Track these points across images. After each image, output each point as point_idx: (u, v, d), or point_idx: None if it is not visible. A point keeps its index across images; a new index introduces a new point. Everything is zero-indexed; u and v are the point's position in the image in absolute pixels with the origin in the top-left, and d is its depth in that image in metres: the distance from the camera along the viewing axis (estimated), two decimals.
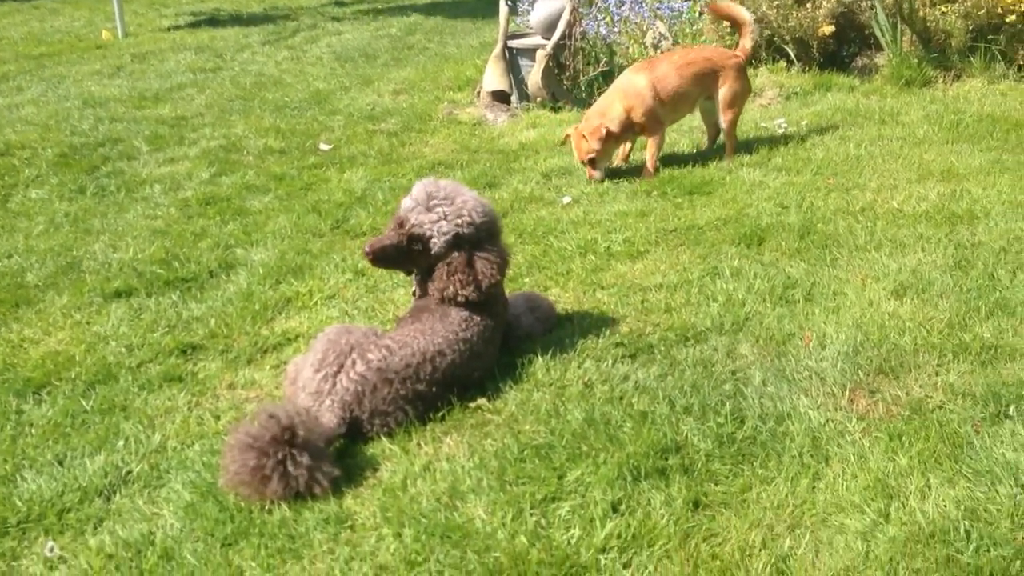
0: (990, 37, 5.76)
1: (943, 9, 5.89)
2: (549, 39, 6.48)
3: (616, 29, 6.92)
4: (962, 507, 2.20)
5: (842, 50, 6.41)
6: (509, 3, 6.77)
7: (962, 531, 2.11)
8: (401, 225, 2.94)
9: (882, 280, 3.39)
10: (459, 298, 2.85)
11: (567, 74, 6.53)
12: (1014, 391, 2.68)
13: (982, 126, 4.96)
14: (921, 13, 5.93)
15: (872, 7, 6.17)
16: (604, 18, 6.99)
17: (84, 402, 3.03)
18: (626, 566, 2.10)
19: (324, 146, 5.93)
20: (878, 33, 6.19)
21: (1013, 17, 5.54)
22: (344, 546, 2.27)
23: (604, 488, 2.32)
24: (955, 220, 3.88)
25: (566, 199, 4.62)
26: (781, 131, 5.33)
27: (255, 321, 3.56)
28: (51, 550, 2.36)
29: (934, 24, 5.93)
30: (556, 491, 2.37)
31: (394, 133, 6.19)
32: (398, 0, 11.01)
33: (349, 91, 7.52)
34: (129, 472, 2.65)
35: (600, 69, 6.58)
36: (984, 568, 2.00)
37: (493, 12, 8.42)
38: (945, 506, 2.20)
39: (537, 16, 6.62)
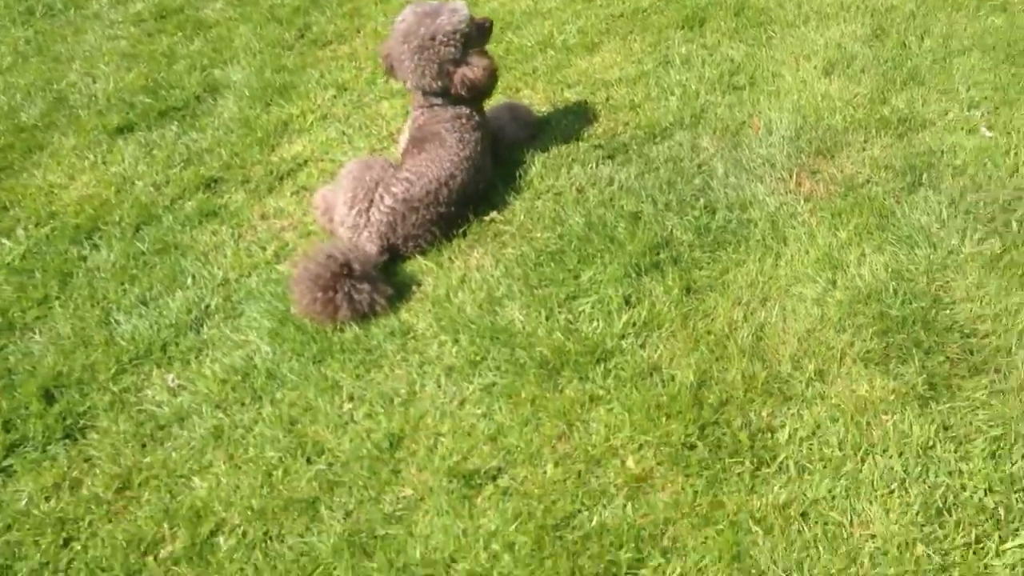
0: None
1: None
2: None
3: None
4: (889, 270, 2.80)
5: None
6: None
7: (891, 290, 2.73)
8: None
9: (812, 59, 3.83)
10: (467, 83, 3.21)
11: None
12: (925, 160, 3.23)
13: None
14: None
15: None
16: None
17: (139, 244, 3.39)
18: (642, 347, 2.69)
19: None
20: None
21: None
22: (413, 354, 2.80)
23: (615, 285, 2.87)
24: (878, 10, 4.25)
25: None
26: None
27: (261, 148, 3.88)
28: (172, 380, 2.85)
29: None
30: (575, 291, 2.91)
31: (313, 42, 6.09)
32: None
33: None
34: (207, 306, 3.10)
35: None
36: (908, 318, 2.64)
37: None
38: (877, 270, 2.80)
39: None
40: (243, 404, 2.70)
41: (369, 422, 2.59)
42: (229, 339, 2.96)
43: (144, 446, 2.61)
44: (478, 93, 3.32)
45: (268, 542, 2.31)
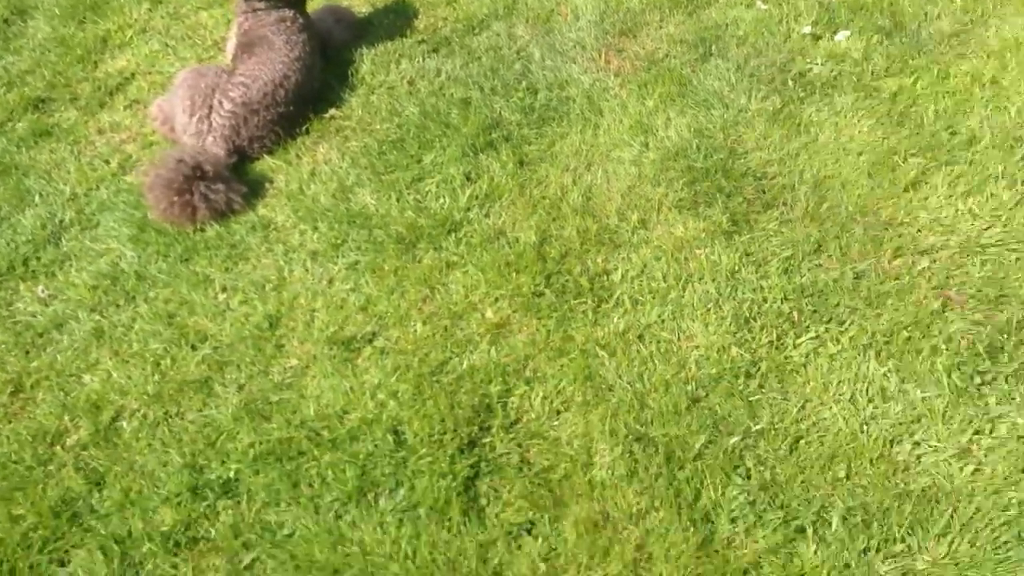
0: None
1: None
2: None
3: None
4: (692, 130, 3.21)
5: None
6: None
7: (694, 146, 3.14)
8: None
9: None
10: None
11: None
12: (713, 33, 3.64)
13: None
14: None
15: None
16: None
17: None
18: (487, 216, 2.99)
19: None
20: None
21: None
22: (277, 244, 2.99)
23: (455, 165, 3.14)
24: None
25: None
26: None
27: (84, 65, 3.85)
28: (42, 291, 2.92)
29: None
30: (420, 173, 3.16)
31: None
32: None
33: None
34: (61, 220, 3.15)
35: None
36: (710, 169, 3.05)
37: None
38: (681, 131, 3.20)
39: None
40: (118, 306, 2.82)
41: (245, 308, 2.78)
42: (91, 249, 3.03)
43: (28, 353, 2.70)
44: None
45: (170, 420, 2.49)
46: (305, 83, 3.39)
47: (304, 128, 3.37)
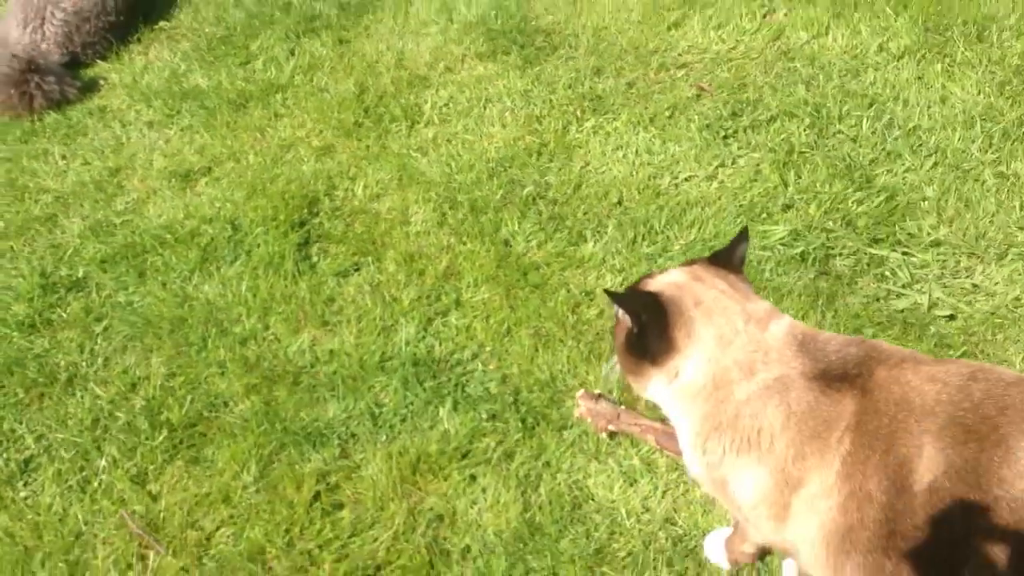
0: None
1: None
2: None
3: None
4: (490, 3, 3.72)
5: None
6: None
7: (492, 16, 3.64)
8: None
9: None
10: None
11: None
12: None
13: None
14: None
15: None
16: None
17: None
18: (310, 80, 3.40)
19: None
20: None
21: None
22: (114, 121, 3.31)
23: (280, 45, 3.55)
24: None
25: None
26: None
27: None
28: None
29: None
30: (247, 57, 3.55)
31: None
32: None
33: None
34: None
35: None
36: (507, 30, 3.54)
37: None
38: (480, 7, 3.70)
39: None
40: None
41: (86, 167, 3.08)
42: None
43: None
44: None
45: (19, 249, 2.75)
46: None
47: (136, 37, 3.71)
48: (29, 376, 2.33)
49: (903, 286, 2.38)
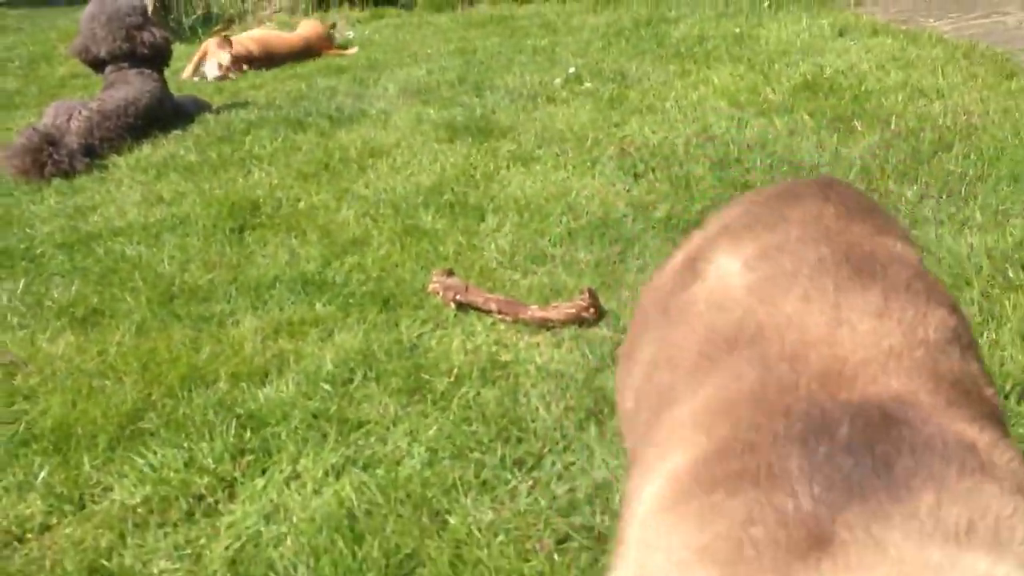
0: None
1: None
2: None
3: None
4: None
5: None
6: None
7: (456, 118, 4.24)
8: None
9: (419, 67, 5.54)
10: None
11: (170, 16, 8.17)
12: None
13: (485, 21, 7.44)
14: None
15: None
16: None
17: None
18: (287, 155, 3.97)
19: None
20: None
21: None
22: (110, 185, 3.89)
23: (270, 135, 4.17)
24: (464, 52, 6.14)
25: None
26: (351, 36, 7.44)
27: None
28: None
29: None
30: (239, 146, 4.17)
31: (23, 67, 7.42)
32: None
33: None
34: None
35: (199, 14, 8.32)
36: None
37: (77, 2, 9.76)
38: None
39: None
40: None
41: (72, 201, 3.62)
42: None
43: None
44: (159, 52, 4.67)
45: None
46: (153, 107, 4.49)
47: (150, 139, 4.41)
48: None
49: None
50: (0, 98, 5.59)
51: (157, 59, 4.74)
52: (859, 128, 3.48)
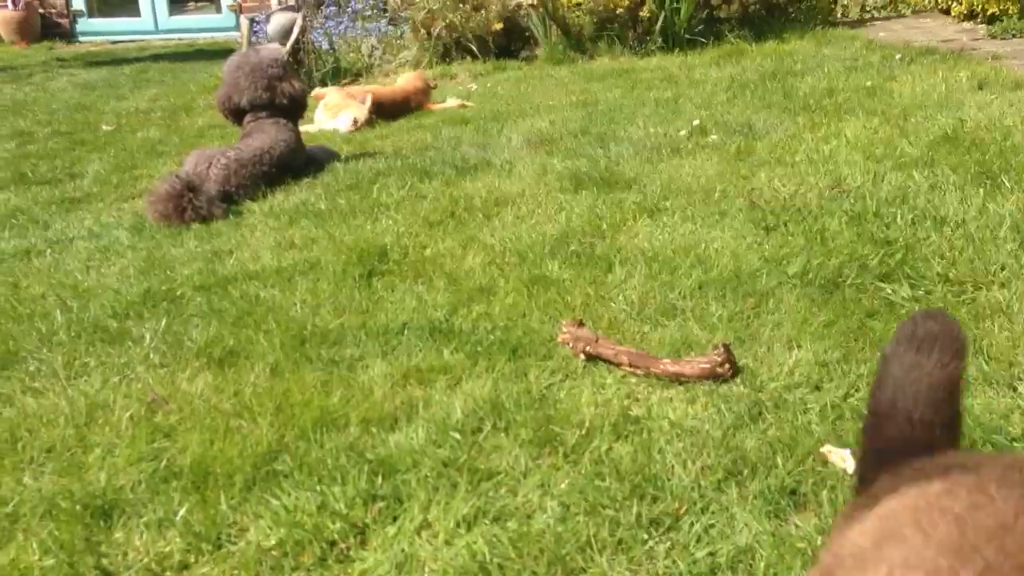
0: (608, 26, 8.40)
1: (576, 12, 8.49)
2: (284, 44, 8.41)
3: (335, 39, 8.99)
4: (581, 164, 4.33)
5: (511, 45, 8.85)
6: (248, 18, 8.65)
7: (582, 168, 4.24)
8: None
9: (542, 118, 5.58)
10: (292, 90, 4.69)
11: (303, 70, 8.47)
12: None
13: (605, 73, 7.47)
14: (561, 13, 8.50)
15: (527, 12, 8.69)
16: (325, 35, 9.04)
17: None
18: (414, 204, 4.03)
19: (106, 127, 7.41)
20: (534, 31, 8.69)
21: (621, 10, 8.21)
22: (245, 229, 4.01)
23: (397, 183, 4.25)
24: (587, 104, 6.17)
25: None
26: (473, 88, 7.57)
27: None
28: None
29: (572, 20, 8.50)
30: (367, 194, 4.26)
31: (165, 117, 7.78)
32: (117, 54, 12.40)
33: (108, 102, 8.97)
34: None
35: (329, 67, 8.60)
36: (591, 173, 4.12)
37: (216, 57, 10.23)
38: (570, 165, 4.32)
39: (273, 27, 8.55)
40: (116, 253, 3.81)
41: (209, 246, 3.74)
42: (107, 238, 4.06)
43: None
44: (296, 103, 4.83)
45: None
46: (287, 156, 4.64)
47: (283, 186, 4.54)
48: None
49: None
50: (144, 146, 5.85)
51: (294, 109, 4.90)
52: (1007, 183, 3.32)
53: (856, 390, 2.14)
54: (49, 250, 3.86)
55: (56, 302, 3.16)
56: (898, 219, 3.10)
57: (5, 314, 3.12)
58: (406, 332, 2.65)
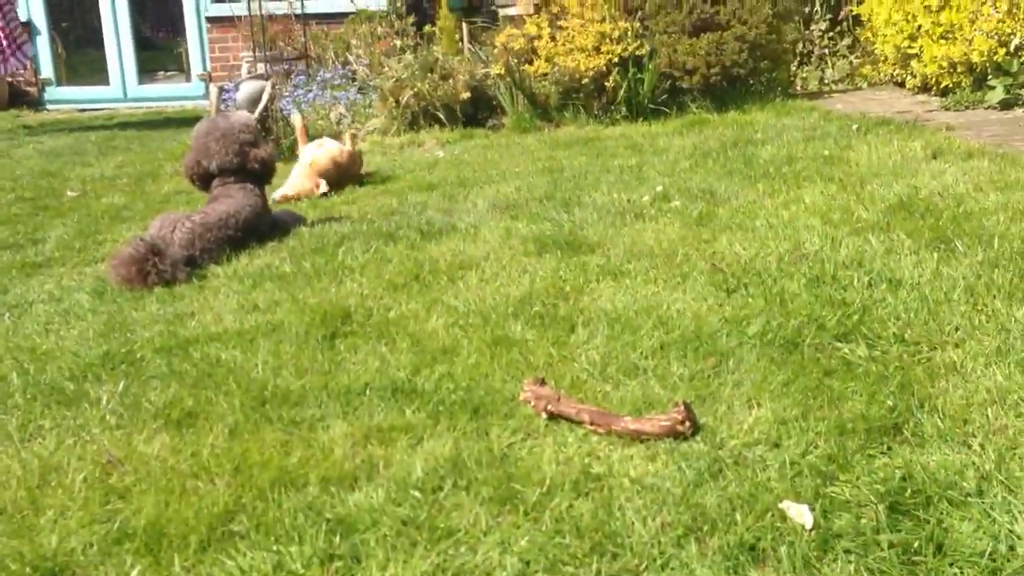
0: (573, 96, 8.56)
1: (543, 81, 8.65)
2: (253, 112, 8.47)
3: (304, 107, 9.08)
4: (544, 229, 4.37)
5: (478, 114, 8.98)
6: (217, 87, 8.72)
7: (546, 233, 4.28)
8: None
9: (508, 184, 5.64)
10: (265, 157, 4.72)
11: (272, 137, 8.52)
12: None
13: (571, 142, 7.58)
14: (528, 83, 8.65)
15: (495, 81, 8.84)
16: (294, 103, 9.13)
17: None
18: (378, 266, 4.05)
19: (72, 192, 7.40)
20: (501, 100, 8.83)
21: (587, 80, 8.38)
22: (207, 292, 4.00)
23: (361, 246, 4.27)
24: (552, 171, 6.25)
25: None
26: (441, 155, 7.65)
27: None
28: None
29: (538, 90, 8.65)
30: (331, 257, 4.27)
31: (130, 184, 7.78)
32: (84, 122, 12.42)
33: (74, 169, 8.96)
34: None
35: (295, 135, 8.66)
36: (556, 239, 4.17)
37: (184, 125, 10.31)
38: (534, 229, 4.37)
39: (242, 95, 8.62)
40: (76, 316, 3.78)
41: (171, 308, 3.72)
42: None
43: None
44: (267, 168, 4.86)
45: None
46: (253, 220, 4.65)
47: (248, 250, 4.55)
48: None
49: None
50: (109, 212, 5.85)
51: (263, 175, 4.93)
52: (960, 248, 3.40)
53: (814, 447, 2.16)
54: (8, 314, 3.82)
55: (13, 365, 3.12)
56: (855, 281, 3.16)
57: None
58: (368, 392, 2.65)
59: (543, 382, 2.42)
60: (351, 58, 11.37)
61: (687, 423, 2.21)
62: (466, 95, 8.85)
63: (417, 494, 2.07)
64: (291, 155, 8.00)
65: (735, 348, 2.72)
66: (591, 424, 2.28)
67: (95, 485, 2.22)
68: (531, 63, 8.65)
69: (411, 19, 11.23)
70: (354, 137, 6.96)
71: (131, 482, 2.22)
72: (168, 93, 13.45)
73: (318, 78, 10.36)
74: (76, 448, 2.43)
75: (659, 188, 5.01)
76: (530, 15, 9.00)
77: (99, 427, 2.56)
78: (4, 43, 12.00)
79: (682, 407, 2.22)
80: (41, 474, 2.29)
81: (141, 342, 3.28)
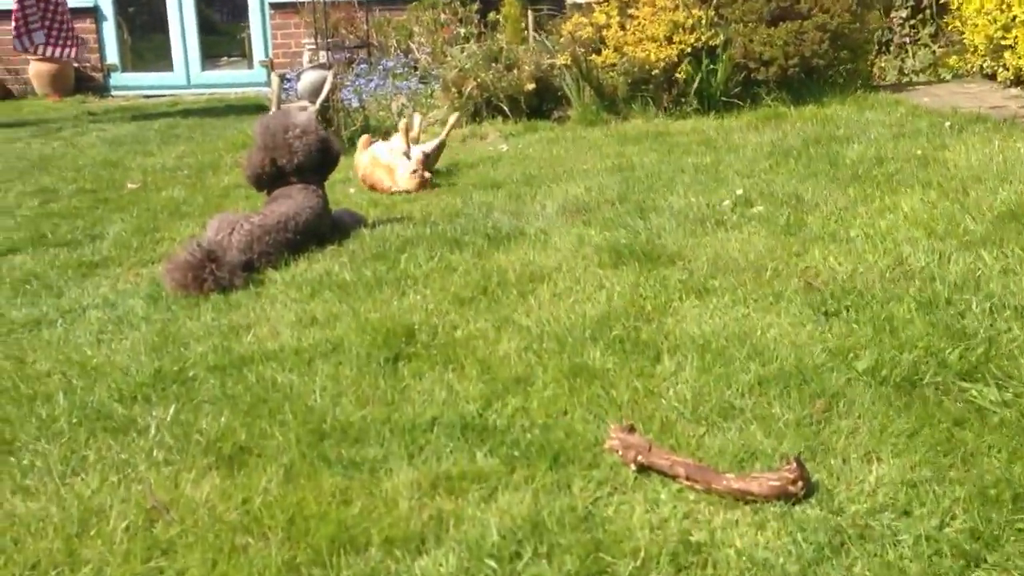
0: (643, 87, 8.23)
1: (610, 72, 8.32)
2: (314, 103, 8.29)
3: (365, 98, 8.88)
4: (617, 237, 4.09)
5: (543, 105, 8.69)
6: (279, 75, 8.55)
7: (620, 242, 4.00)
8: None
9: (577, 184, 5.37)
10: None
11: (332, 128, 8.33)
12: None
13: (640, 136, 7.27)
14: (595, 73, 8.34)
15: (561, 72, 8.55)
16: (355, 93, 8.93)
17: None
18: (443, 276, 3.80)
19: (132, 184, 7.28)
20: (567, 91, 8.53)
21: (656, 71, 8.03)
22: (264, 301, 3.79)
23: (425, 253, 4.03)
24: (622, 169, 5.96)
25: None
26: (504, 149, 7.39)
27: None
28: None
29: (606, 81, 8.33)
30: (393, 264, 4.04)
31: (191, 175, 7.64)
32: (147, 109, 12.37)
33: (136, 158, 8.87)
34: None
35: (358, 125, 8.46)
36: (632, 248, 3.89)
37: (245, 113, 10.18)
38: (608, 237, 4.09)
39: (304, 84, 8.44)
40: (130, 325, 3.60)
41: (226, 319, 3.52)
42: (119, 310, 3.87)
43: None
44: (336, 166, 4.66)
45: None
46: (313, 223, 4.44)
47: (307, 254, 4.33)
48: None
49: None
50: (168, 206, 5.70)
51: (324, 172, 4.72)
52: None
53: (952, 517, 1.87)
54: (60, 320, 3.65)
55: (60, 382, 2.94)
56: (973, 307, 2.84)
57: (6, 394, 2.91)
58: (435, 428, 2.41)
59: (632, 428, 2.16)
60: (413, 46, 11.16)
61: (799, 483, 1.93)
62: (531, 86, 8.56)
63: (492, 563, 1.82)
64: (352, 148, 7.81)
65: (844, 387, 2.43)
66: (687, 479, 2.02)
67: (138, 535, 2.02)
68: (599, 53, 8.31)
69: (475, 6, 10.95)
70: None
71: (176, 534, 2.01)
72: (230, 79, 13.36)
73: (380, 67, 10.14)
74: (120, 488, 2.23)
75: (739, 191, 4.69)
76: (599, 3, 8.66)
77: (146, 463, 2.35)
78: (59, 30, 12.02)
79: (795, 464, 1.94)
80: (81, 519, 2.09)
81: (194, 358, 3.08)
